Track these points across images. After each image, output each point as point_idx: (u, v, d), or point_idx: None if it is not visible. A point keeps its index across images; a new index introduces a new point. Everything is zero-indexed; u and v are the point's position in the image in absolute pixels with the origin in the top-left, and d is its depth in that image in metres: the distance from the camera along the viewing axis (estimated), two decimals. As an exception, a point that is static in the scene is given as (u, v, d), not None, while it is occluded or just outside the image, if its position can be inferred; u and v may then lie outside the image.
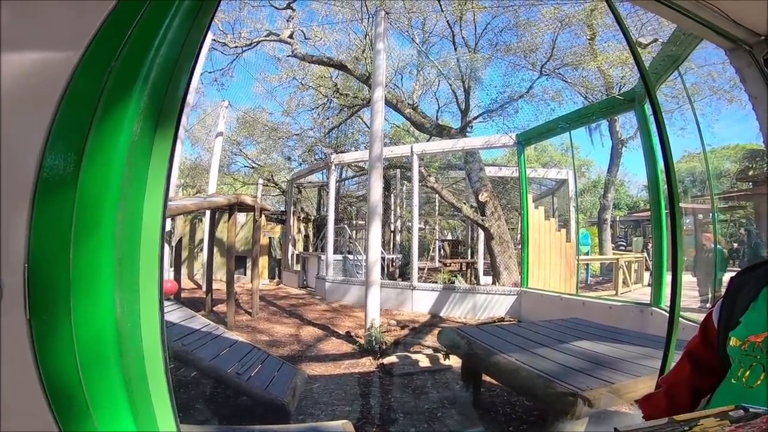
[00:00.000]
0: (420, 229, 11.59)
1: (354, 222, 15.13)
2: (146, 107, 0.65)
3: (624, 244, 19.33)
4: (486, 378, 3.85)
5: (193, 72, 0.79)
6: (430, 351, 5.35)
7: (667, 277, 5.31)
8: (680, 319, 1.81)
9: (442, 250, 14.86)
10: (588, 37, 8.37)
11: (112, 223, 0.62)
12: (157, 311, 0.69)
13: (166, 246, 8.38)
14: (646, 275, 11.37)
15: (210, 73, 11.63)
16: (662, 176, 5.31)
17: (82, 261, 0.60)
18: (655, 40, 5.40)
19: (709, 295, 8.04)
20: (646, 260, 11.84)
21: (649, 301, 5.55)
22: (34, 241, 0.60)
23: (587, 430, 2.44)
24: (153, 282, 0.69)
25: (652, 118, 5.31)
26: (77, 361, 0.61)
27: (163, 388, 0.73)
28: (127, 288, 0.65)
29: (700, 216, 13.62)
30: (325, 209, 12.96)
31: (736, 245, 13.31)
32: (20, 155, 0.62)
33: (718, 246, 7.68)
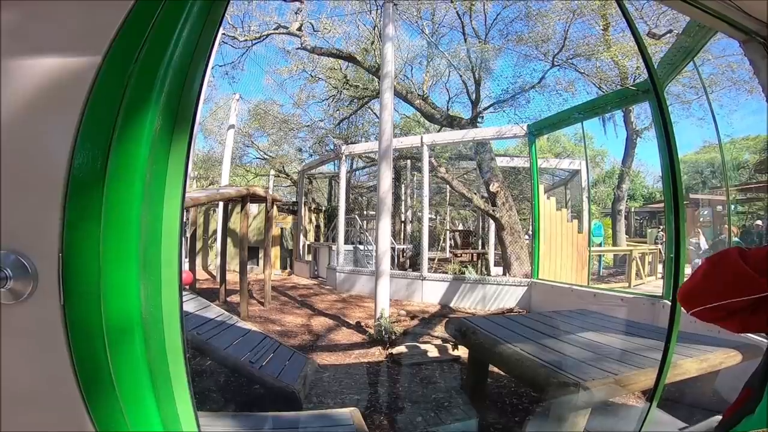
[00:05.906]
0: (430, 220, 11.57)
1: (365, 212, 15.16)
2: (164, 106, 0.70)
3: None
4: (493, 368, 3.88)
5: (206, 70, 0.83)
6: (439, 341, 5.40)
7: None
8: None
9: (452, 241, 14.84)
10: (601, 28, 8.22)
11: (137, 215, 0.67)
12: (177, 298, 0.75)
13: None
14: (660, 267, 11.23)
15: (221, 66, 11.68)
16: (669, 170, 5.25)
17: (110, 250, 0.66)
18: (670, 31, 5.28)
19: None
20: (660, 252, 11.69)
21: (661, 294, 5.51)
22: (67, 231, 0.65)
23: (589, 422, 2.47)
24: (173, 270, 0.74)
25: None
26: (106, 344, 0.66)
27: (182, 374, 0.78)
28: (150, 276, 0.70)
29: (719, 208, 13.34)
30: (336, 200, 13.01)
31: (754, 238, 13.01)
32: (51, 154, 0.67)
33: (734, 238, 7.54)
